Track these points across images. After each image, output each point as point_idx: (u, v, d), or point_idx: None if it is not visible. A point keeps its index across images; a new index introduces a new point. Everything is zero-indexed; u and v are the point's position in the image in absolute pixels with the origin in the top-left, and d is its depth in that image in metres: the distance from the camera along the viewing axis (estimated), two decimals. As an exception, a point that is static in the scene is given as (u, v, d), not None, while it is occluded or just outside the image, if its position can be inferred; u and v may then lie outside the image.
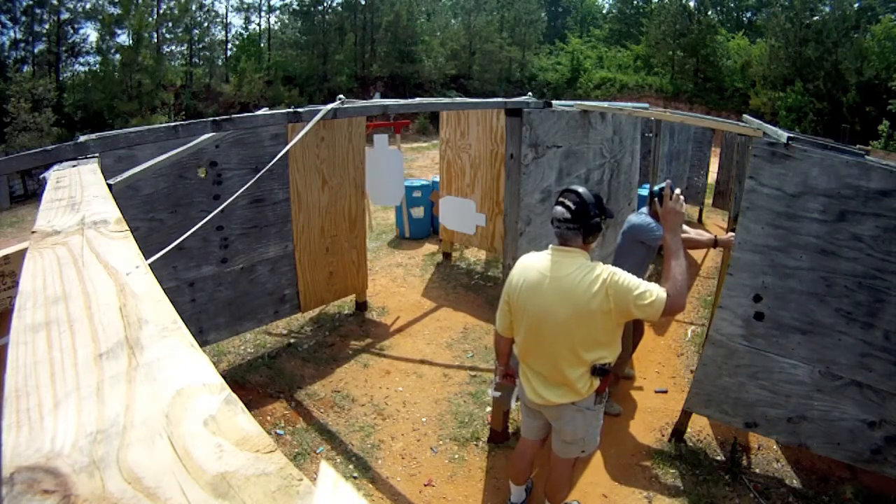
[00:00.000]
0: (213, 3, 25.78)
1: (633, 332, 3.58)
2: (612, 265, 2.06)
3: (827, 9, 22.24)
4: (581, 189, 2.10)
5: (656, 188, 2.42)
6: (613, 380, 3.61)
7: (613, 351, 2.13)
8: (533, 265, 2.15)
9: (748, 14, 30.01)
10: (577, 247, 2.09)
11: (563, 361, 2.09)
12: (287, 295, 4.29)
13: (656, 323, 4.92)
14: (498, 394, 2.71)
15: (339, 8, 25.75)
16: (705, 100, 25.00)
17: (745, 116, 4.19)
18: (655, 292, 1.94)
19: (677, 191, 2.20)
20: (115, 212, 0.84)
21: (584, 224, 2.05)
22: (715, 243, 3.29)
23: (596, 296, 1.96)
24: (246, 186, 2.32)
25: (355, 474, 3.03)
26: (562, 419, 2.23)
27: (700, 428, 3.42)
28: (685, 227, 3.80)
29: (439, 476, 3.03)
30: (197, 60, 23.98)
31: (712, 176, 10.03)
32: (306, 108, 2.25)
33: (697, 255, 7.10)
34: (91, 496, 0.31)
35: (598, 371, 2.10)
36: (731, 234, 3.39)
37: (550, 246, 2.15)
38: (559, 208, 2.08)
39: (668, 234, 2.14)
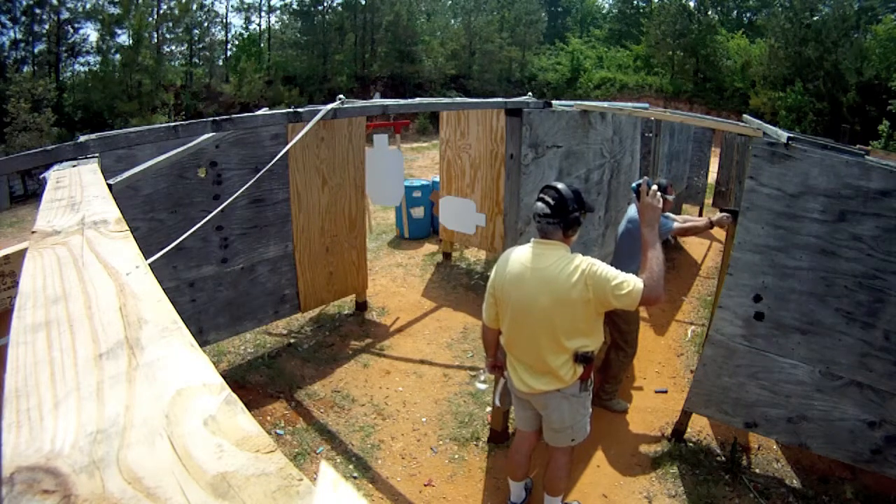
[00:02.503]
0: (213, 3, 25.76)
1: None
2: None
3: (827, 9, 22.21)
4: (560, 185, 2.18)
5: (633, 184, 2.48)
6: (615, 379, 3.62)
7: (595, 340, 2.21)
8: (516, 258, 2.23)
9: (748, 14, 29.99)
10: (558, 240, 2.17)
11: (545, 349, 2.16)
12: (287, 295, 4.29)
13: (656, 323, 4.92)
14: (484, 386, 2.70)
15: (339, 8, 25.71)
16: (705, 100, 24.96)
17: (745, 116, 4.19)
18: (633, 283, 2.02)
19: (654, 187, 2.29)
20: (115, 212, 0.84)
21: (563, 219, 2.13)
22: (710, 224, 3.50)
23: (576, 285, 2.05)
24: (246, 186, 2.32)
25: (355, 474, 3.03)
26: (549, 407, 2.31)
27: (700, 428, 3.42)
28: (678, 217, 3.88)
29: (439, 476, 3.03)
30: (197, 60, 23.94)
31: (712, 176, 10.03)
32: (306, 108, 2.25)
33: (698, 254, 7.10)
34: (91, 496, 0.31)
35: (580, 358, 2.18)
36: (721, 214, 3.51)
37: (532, 239, 2.23)
38: (539, 204, 2.17)
39: (644, 227, 2.23)
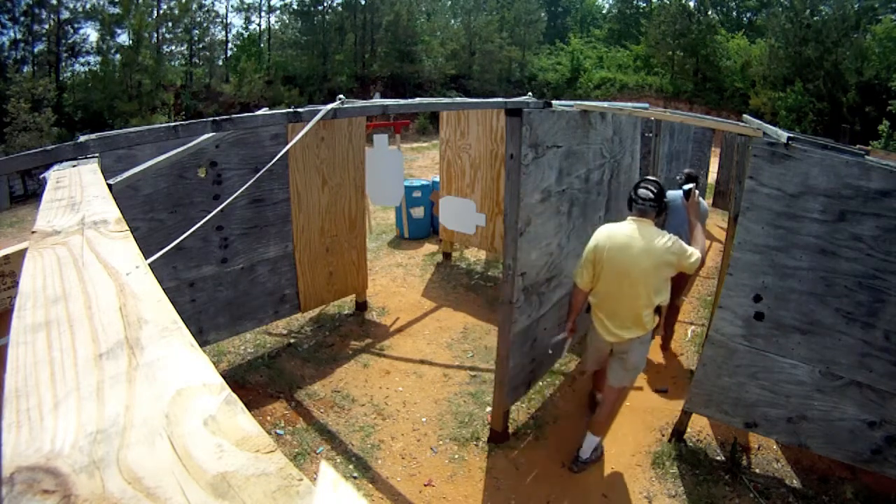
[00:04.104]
0: (213, 3, 25.69)
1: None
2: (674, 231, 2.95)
3: (827, 9, 22.19)
4: (657, 180, 2.92)
5: (686, 187, 3.40)
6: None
7: (667, 296, 2.88)
8: (619, 231, 2.84)
9: (748, 14, 29.97)
10: (650, 219, 2.84)
11: (640, 303, 2.79)
12: (287, 295, 4.29)
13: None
14: (568, 342, 3.22)
15: (339, 8, 25.68)
16: (705, 100, 24.95)
17: (745, 116, 4.18)
18: (697, 254, 2.79)
19: (696, 191, 3.21)
20: (115, 212, 0.84)
21: (659, 204, 2.85)
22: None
23: (667, 252, 2.73)
24: (245, 186, 2.32)
25: (355, 474, 3.03)
26: (630, 350, 2.92)
27: (700, 428, 3.42)
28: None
29: (439, 476, 3.03)
30: (197, 60, 23.90)
31: (712, 176, 10.03)
32: (306, 108, 2.25)
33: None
34: (91, 496, 0.31)
35: (657, 310, 2.89)
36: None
37: (629, 217, 2.87)
38: (643, 191, 2.84)
39: (693, 218, 3.10)
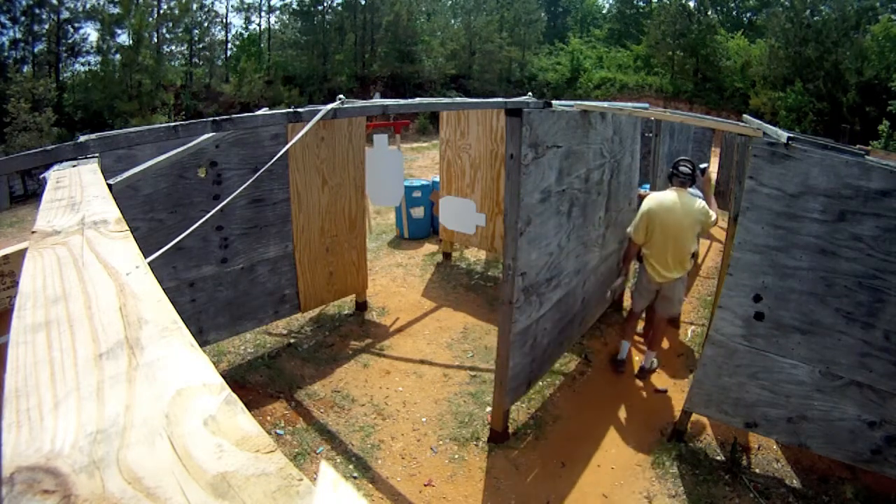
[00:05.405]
0: (213, 3, 25.68)
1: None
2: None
3: (827, 9, 22.18)
4: (692, 160, 3.83)
5: (702, 166, 4.18)
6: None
7: (696, 246, 3.80)
8: (666, 198, 3.72)
9: (748, 14, 29.96)
10: (686, 189, 3.74)
11: (683, 250, 3.68)
12: (287, 295, 4.29)
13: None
14: (625, 286, 4.35)
15: (339, 8, 25.68)
16: (705, 100, 24.94)
17: (745, 116, 4.19)
18: (714, 216, 3.75)
19: (709, 169, 4.23)
20: (115, 212, 0.84)
21: (693, 178, 3.77)
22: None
23: (699, 213, 3.65)
24: (244, 186, 2.32)
25: (355, 474, 3.03)
26: (674, 287, 3.83)
27: (700, 428, 3.42)
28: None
29: (439, 476, 3.03)
30: (197, 60, 23.89)
31: (712, 176, 9.98)
32: (306, 108, 2.24)
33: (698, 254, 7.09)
34: (91, 496, 0.31)
35: (693, 255, 3.79)
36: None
37: (671, 188, 3.77)
38: (684, 168, 3.75)
39: (707, 189, 4.13)
